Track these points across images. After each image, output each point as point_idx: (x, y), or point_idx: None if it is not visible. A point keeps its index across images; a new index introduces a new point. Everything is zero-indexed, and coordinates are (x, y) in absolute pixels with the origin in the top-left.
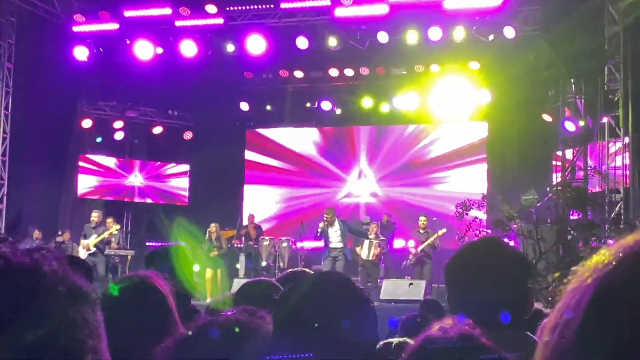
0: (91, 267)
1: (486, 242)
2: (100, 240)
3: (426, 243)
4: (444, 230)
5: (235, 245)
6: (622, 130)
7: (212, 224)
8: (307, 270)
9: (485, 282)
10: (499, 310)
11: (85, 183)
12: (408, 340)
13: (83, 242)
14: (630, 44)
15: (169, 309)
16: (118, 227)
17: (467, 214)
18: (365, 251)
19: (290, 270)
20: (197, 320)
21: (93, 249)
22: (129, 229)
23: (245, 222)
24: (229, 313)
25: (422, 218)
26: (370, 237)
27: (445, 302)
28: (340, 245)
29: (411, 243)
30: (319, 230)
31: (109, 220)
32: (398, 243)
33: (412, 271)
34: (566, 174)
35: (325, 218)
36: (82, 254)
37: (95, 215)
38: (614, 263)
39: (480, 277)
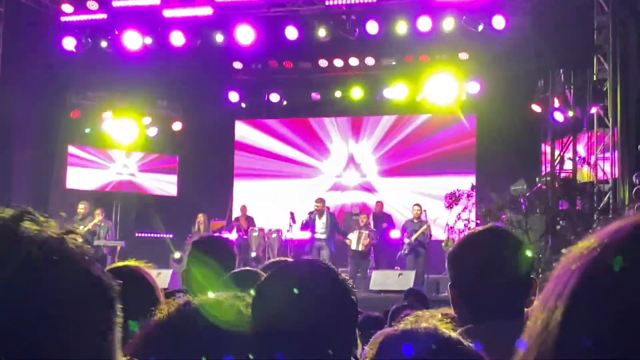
0: None
1: (491, 231)
2: (87, 231)
3: (420, 232)
4: (438, 216)
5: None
6: (610, 120)
7: (200, 215)
8: (291, 259)
9: (490, 272)
10: (502, 300)
11: (74, 174)
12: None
13: None
14: (619, 34)
15: (157, 299)
16: (100, 217)
17: (456, 204)
18: (355, 242)
19: (273, 260)
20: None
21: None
22: (118, 220)
23: (237, 213)
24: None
25: (415, 207)
26: (352, 232)
27: (435, 292)
28: (324, 236)
29: (405, 233)
30: (305, 220)
31: (97, 211)
32: (394, 233)
33: (406, 261)
34: (555, 164)
35: (315, 207)
36: None
37: (81, 207)
38: (598, 249)
39: (485, 267)
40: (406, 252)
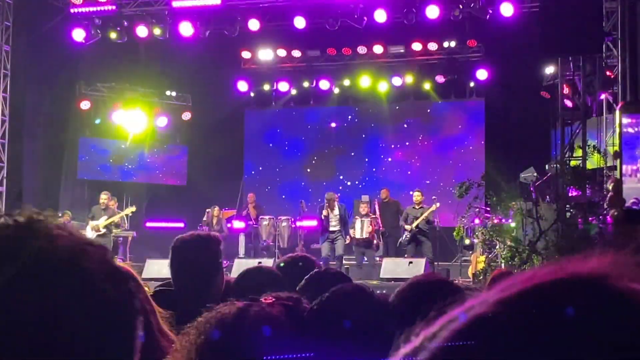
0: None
1: None
2: (111, 222)
3: (420, 219)
4: (438, 204)
5: (234, 226)
6: None
7: (215, 207)
8: (308, 255)
9: None
10: None
11: (85, 164)
12: None
13: (92, 223)
14: (628, 20)
15: None
16: (134, 209)
17: (466, 194)
18: (358, 230)
19: (290, 255)
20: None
21: (103, 230)
22: None
23: (246, 202)
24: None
25: (416, 193)
26: (355, 221)
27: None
28: (337, 228)
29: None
30: (323, 216)
31: (112, 202)
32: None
33: (408, 249)
34: (565, 151)
35: (326, 201)
36: (90, 234)
37: (104, 197)
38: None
39: None
40: (407, 239)
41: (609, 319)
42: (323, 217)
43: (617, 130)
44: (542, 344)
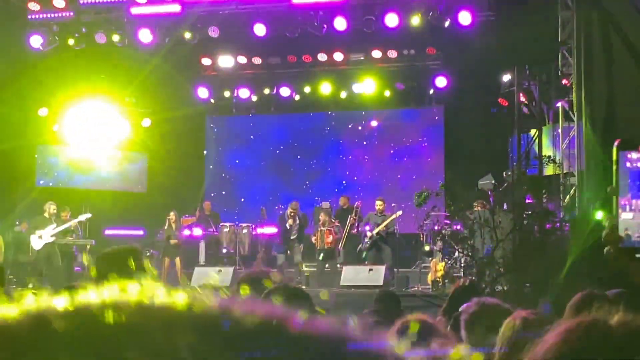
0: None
1: None
2: (63, 231)
3: (381, 226)
4: (400, 212)
5: (194, 234)
6: (576, 114)
7: (172, 212)
8: (268, 272)
9: None
10: None
11: (42, 171)
12: None
13: (38, 232)
14: (583, 29)
15: None
16: (89, 215)
17: (425, 203)
18: (319, 240)
19: (248, 272)
20: None
21: (51, 239)
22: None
23: (202, 210)
24: None
25: (378, 202)
26: (316, 232)
27: (405, 287)
28: (296, 236)
29: (367, 227)
30: (289, 225)
31: (64, 213)
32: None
33: (368, 255)
34: (521, 159)
35: (291, 211)
36: (38, 244)
37: (51, 207)
38: None
39: None
40: (367, 246)
41: None
42: (288, 227)
43: (614, 167)
44: None
